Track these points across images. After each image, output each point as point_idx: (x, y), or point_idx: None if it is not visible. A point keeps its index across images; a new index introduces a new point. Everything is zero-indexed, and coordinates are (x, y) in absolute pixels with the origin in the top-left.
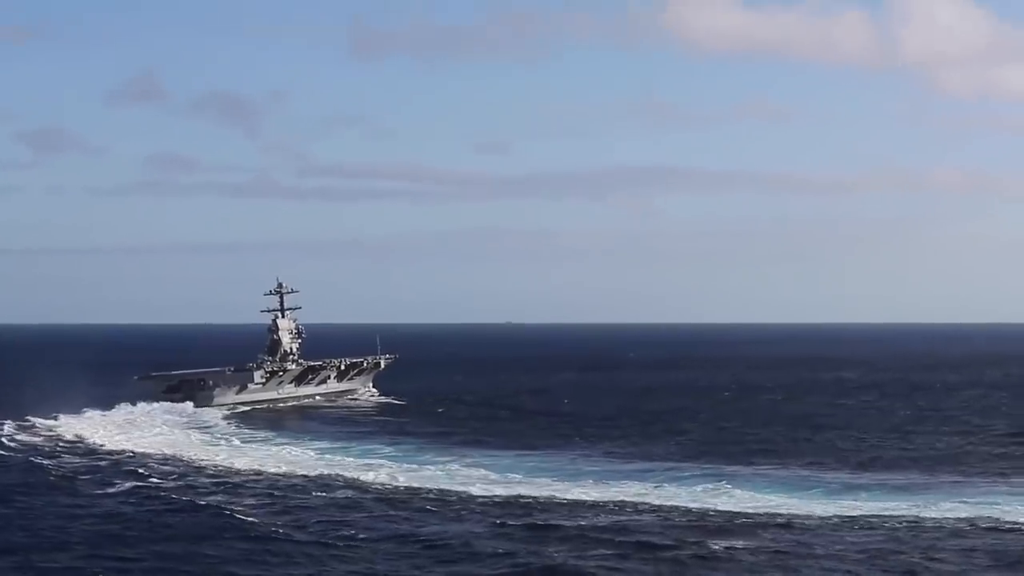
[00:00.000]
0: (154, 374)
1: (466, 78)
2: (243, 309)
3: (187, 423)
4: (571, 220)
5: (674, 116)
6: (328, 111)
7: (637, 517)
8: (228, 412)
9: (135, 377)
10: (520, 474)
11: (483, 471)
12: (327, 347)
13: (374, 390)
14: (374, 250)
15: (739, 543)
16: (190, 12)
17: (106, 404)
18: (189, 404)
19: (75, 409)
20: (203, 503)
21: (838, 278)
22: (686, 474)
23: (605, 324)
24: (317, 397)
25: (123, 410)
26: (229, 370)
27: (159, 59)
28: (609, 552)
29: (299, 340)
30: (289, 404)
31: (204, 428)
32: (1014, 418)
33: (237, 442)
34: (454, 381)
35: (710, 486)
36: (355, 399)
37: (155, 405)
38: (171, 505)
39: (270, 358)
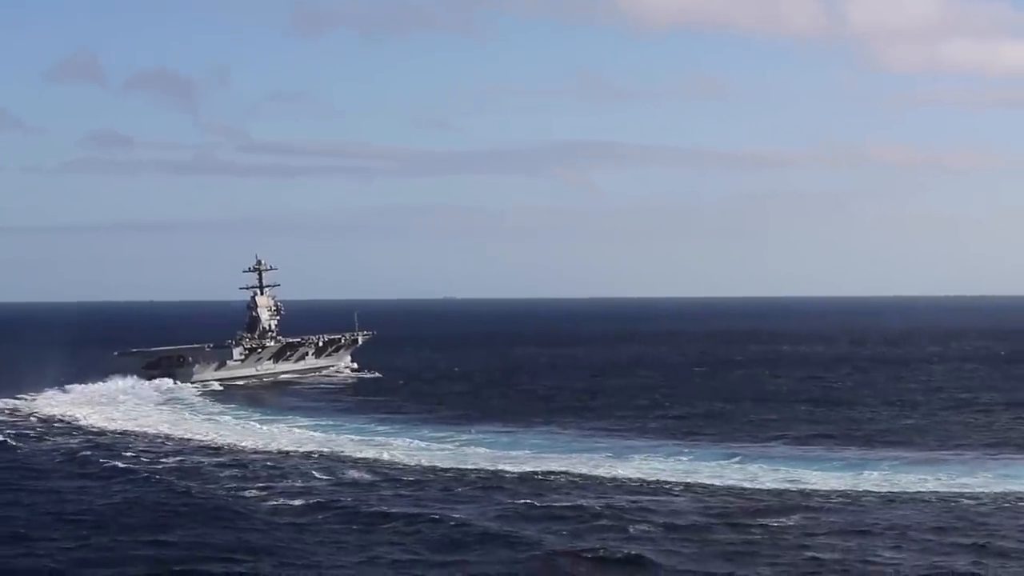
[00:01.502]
0: (134, 351)
1: (408, 54)
2: (186, 287)
3: (168, 399)
4: (510, 196)
5: (615, 92)
6: (269, 88)
7: (665, 495)
8: (208, 388)
9: (115, 353)
10: (527, 451)
11: (484, 448)
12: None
13: (354, 364)
14: (313, 227)
15: (784, 520)
16: None
17: (85, 380)
18: (168, 380)
19: (53, 386)
20: (196, 481)
21: (776, 252)
22: (695, 450)
23: (542, 299)
24: (296, 373)
25: (103, 386)
26: (208, 347)
27: (97, 37)
28: (648, 533)
29: (278, 317)
30: (268, 380)
31: (188, 405)
32: (1003, 391)
33: (230, 419)
34: (423, 356)
35: (724, 462)
36: (335, 374)
37: (135, 381)
38: (153, 487)
39: (249, 335)
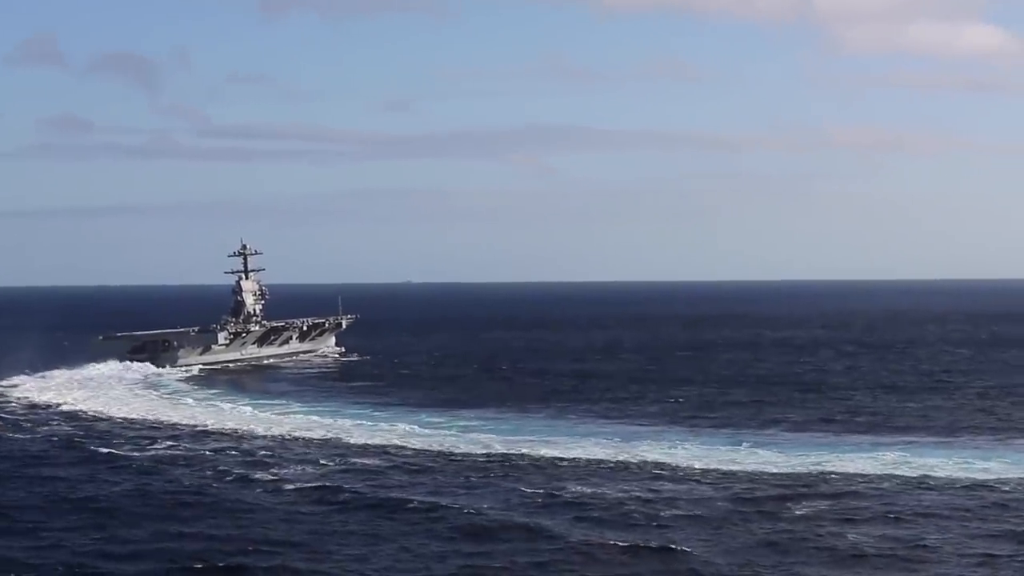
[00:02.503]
0: (119, 335)
1: (371, 36)
2: (143, 271)
3: (154, 384)
4: (471, 179)
5: (579, 74)
6: (231, 70)
7: (684, 482)
8: (193, 373)
9: (99, 337)
10: (530, 435)
11: (488, 434)
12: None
13: (341, 348)
14: (272, 211)
15: (814, 506)
16: None
17: (68, 365)
18: (153, 365)
19: (36, 371)
20: (200, 467)
21: (739, 235)
22: (701, 435)
23: (503, 283)
24: (281, 357)
25: (88, 371)
26: (193, 331)
27: (56, 21)
28: (678, 522)
29: (262, 302)
30: (253, 364)
31: (177, 390)
32: (993, 375)
33: (223, 405)
34: (402, 340)
35: (734, 447)
36: (320, 358)
37: (120, 366)
38: (158, 476)
39: (234, 319)
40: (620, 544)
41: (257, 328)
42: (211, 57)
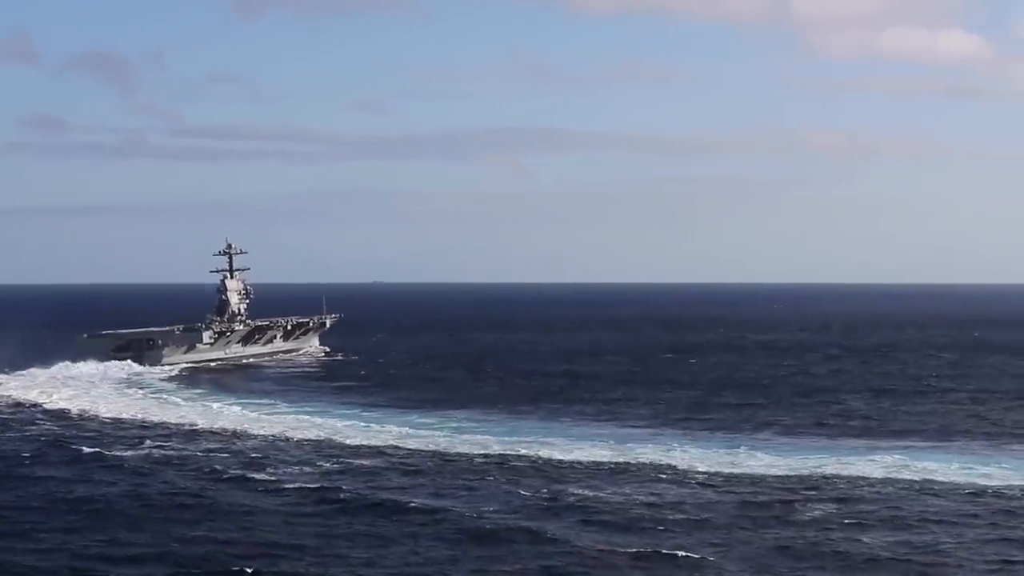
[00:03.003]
0: (103, 333)
1: (346, 36)
2: (119, 270)
3: (140, 383)
4: (446, 181)
5: (553, 77)
6: (206, 70)
7: (688, 486)
8: (179, 372)
9: (84, 335)
10: (525, 437)
11: (482, 435)
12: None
13: (326, 348)
14: (247, 211)
15: (822, 510)
16: None
17: (52, 363)
18: (137, 363)
19: (18, 368)
20: (192, 469)
21: (713, 238)
22: (697, 438)
23: (476, 283)
24: (265, 356)
25: (72, 369)
26: (178, 330)
27: (30, 19)
28: (687, 528)
29: (247, 301)
30: (237, 363)
31: (163, 389)
32: (984, 379)
33: (212, 405)
34: (382, 340)
35: (732, 450)
36: (304, 357)
37: (104, 364)
38: (152, 477)
39: (218, 318)
40: (629, 551)
41: (242, 327)
42: (186, 57)
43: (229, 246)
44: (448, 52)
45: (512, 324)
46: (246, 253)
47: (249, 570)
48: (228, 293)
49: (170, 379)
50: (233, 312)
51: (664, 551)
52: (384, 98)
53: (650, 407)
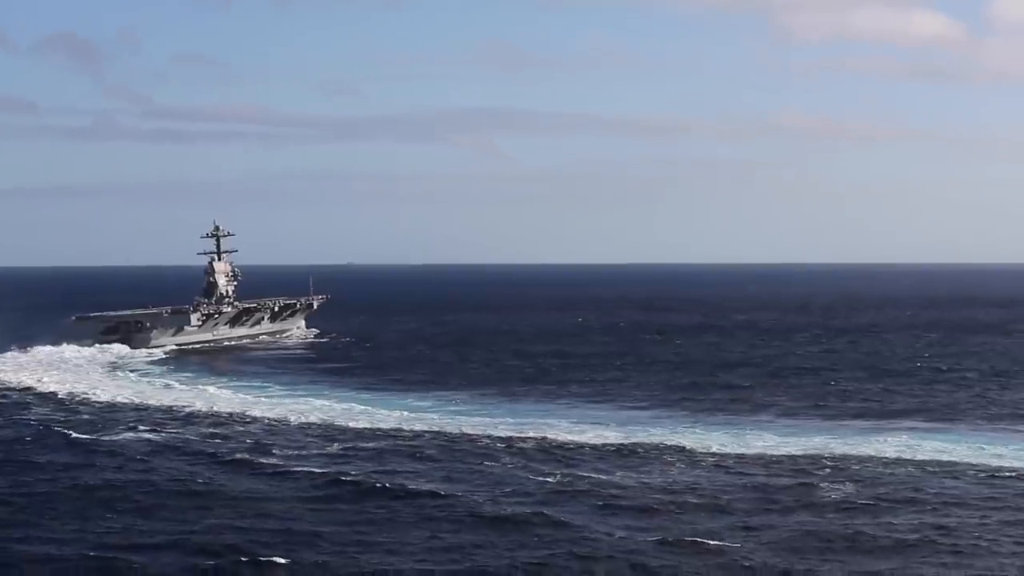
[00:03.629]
0: (92, 315)
1: (316, 19)
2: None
3: (130, 366)
4: (416, 163)
5: (523, 59)
6: (177, 52)
7: (701, 468)
8: (168, 354)
9: (72, 318)
10: (526, 419)
11: (484, 417)
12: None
13: (314, 329)
14: (218, 193)
15: (840, 489)
16: None
17: (39, 345)
18: (126, 345)
19: (2, 350)
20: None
21: (682, 220)
22: (699, 420)
23: (449, 264)
24: (253, 338)
25: (60, 352)
26: (166, 312)
27: (1, 2)
28: (712, 514)
29: (235, 283)
30: (226, 345)
31: (155, 373)
32: (974, 358)
33: (207, 388)
34: (367, 322)
35: (734, 431)
36: (291, 339)
37: (92, 346)
38: (158, 462)
39: (206, 300)
40: (652, 538)
41: (230, 309)
42: (157, 39)
43: (217, 228)
44: (419, 35)
45: (490, 305)
46: (234, 235)
47: (281, 560)
48: (216, 275)
49: (160, 361)
50: (221, 294)
51: (688, 538)
52: (355, 80)
53: (645, 389)
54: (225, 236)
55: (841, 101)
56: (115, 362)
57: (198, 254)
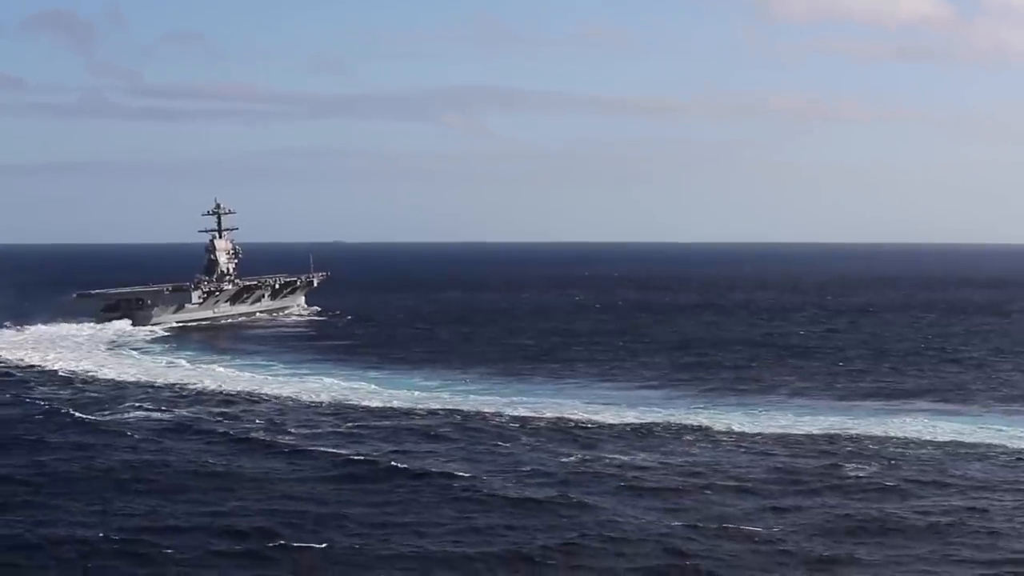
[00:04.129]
0: (93, 292)
1: None
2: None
3: (133, 343)
4: (405, 141)
5: (513, 38)
6: (166, 29)
7: (722, 448)
8: (169, 331)
9: (73, 295)
10: (539, 399)
11: (494, 396)
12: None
13: (316, 307)
14: (206, 170)
15: (865, 468)
16: None
17: (39, 322)
18: (127, 323)
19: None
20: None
21: (669, 200)
22: (711, 399)
23: (439, 243)
24: (254, 315)
25: (61, 329)
26: (167, 289)
27: None
28: (734, 495)
29: (236, 260)
30: (227, 322)
31: (161, 350)
32: (976, 338)
33: (213, 367)
34: (365, 300)
35: (747, 410)
36: (291, 316)
37: (93, 323)
38: (173, 442)
39: (207, 278)
40: (681, 523)
41: (231, 287)
42: (145, 16)
43: (218, 206)
44: (408, 13)
45: (487, 284)
46: (234, 213)
47: (316, 545)
48: (217, 253)
49: (161, 339)
50: (222, 272)
51: (718, 523)
52: (344, 58)
53: (652, 369)
54: (226, 214)
55: (829, 82)
56: (115, 340)
57: (199, 232)
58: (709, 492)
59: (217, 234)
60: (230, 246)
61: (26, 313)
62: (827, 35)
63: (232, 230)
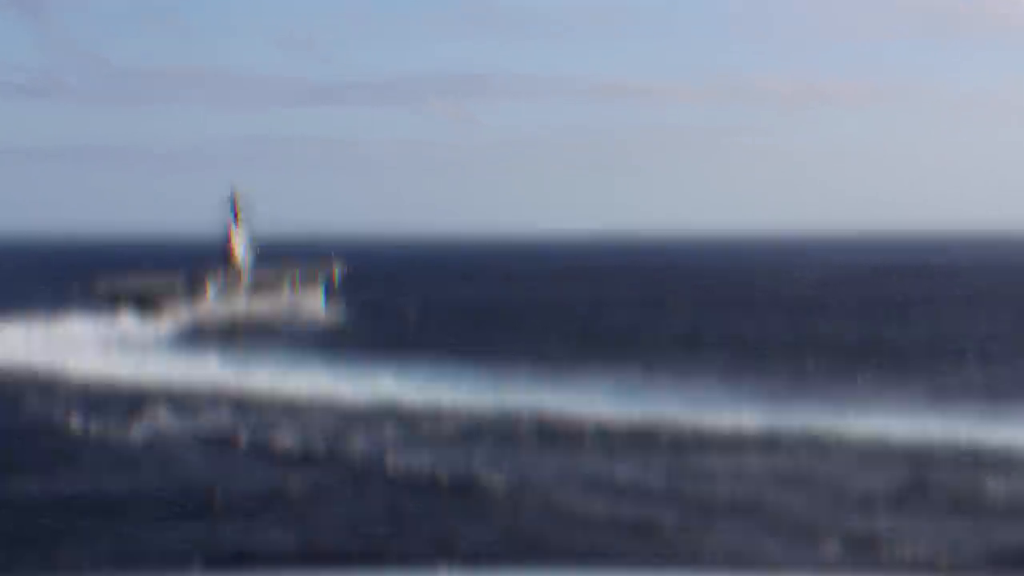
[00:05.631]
0: (104, 283)
1: None
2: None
3: (139, 339)
4: (382, 128)
5: (498, 22)
6: (125, 7)
7: (832, 459)
8: (185, 327)
9: (85, 286)
10: (630, 400)
11: (535, 396)
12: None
13: (333, 301)
14: (171, 157)
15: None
16: None
17: (45, 318)
18: (140, 317)
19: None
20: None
21: (661, 185)
22: (788, 403)
23: (421, 234)
24: (272, 310)
25: (54, 325)
26: (181, 282)
27: None
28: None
29: (253, 253)
30: (244, 317)
31: (171, 349)
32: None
33: (239, 369)
34: (374, 293)
35: (835, 413)
36: (313, 310)
37: (102, 319)
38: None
39: (223, 270)
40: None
41: (248, 280)
42: None
43: (235, 195)
44: None
45: (481, 274)
46: (253, 204)
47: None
48: (234, 244)
49: (176, 336)
50: (238, 264)
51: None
52: (322, 41)
53: (717, 371)
54: (244, 204)
55: (822, 66)
56: (125, 336)
57: (215, 223)
58: (832, 515)
59: (234, 224)
60: (247, 238)
61: (24, 304)
62: (823, 17)
63: (250, 221)
